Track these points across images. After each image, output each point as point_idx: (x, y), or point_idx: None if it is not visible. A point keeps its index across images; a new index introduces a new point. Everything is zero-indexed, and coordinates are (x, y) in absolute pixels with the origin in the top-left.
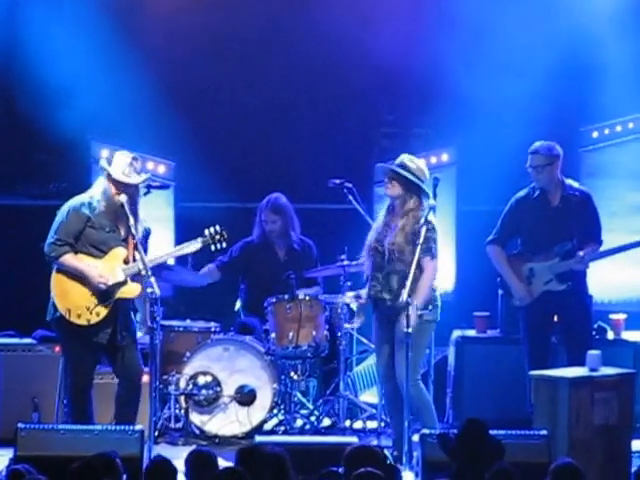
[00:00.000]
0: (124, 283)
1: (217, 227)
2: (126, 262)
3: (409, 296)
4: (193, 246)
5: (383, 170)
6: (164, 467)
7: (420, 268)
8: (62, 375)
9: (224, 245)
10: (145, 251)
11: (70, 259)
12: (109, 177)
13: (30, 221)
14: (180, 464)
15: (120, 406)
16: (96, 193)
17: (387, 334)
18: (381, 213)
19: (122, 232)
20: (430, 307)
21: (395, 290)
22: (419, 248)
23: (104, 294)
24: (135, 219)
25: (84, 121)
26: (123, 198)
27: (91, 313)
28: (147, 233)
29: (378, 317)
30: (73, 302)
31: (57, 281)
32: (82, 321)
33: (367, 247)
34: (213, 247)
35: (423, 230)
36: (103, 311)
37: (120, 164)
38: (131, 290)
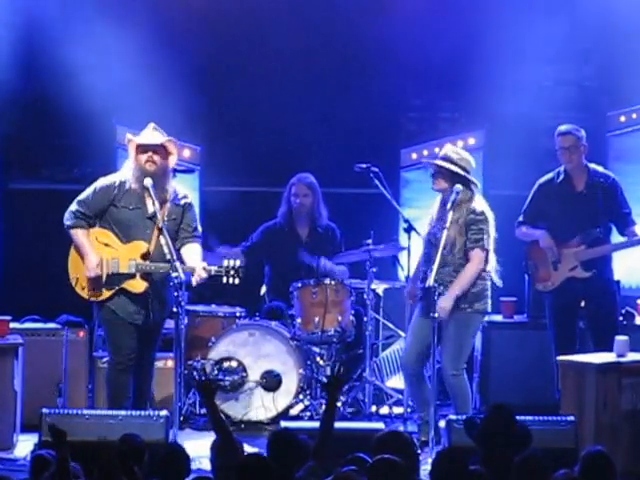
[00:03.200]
0: (132, 276)
1: (237, 262)
2: (144, 257)
3: (436, 282)
4: (205, 269)
5: (426, 166)
6: (178, 454)
7: (467, 258)
8: (88, 361)
9: (236, 282)
10: (197, 219)
11: (80, 235)
12: (132, 149)
13: (55, 205)
14: (205, 450)
15: (133, 396)
16: (125, 173)
17: (429, 325)
18: (434, 205)
19: (149, 210)
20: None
21: (446, 282)
22: (468, 239)
23: (110, 279)
24: (161, 203)
25: (109, 105)
26: (148, 182)
27: (93, 290)
28: (190, 206)
29: (423, 307)
30: (82, 274)
31: (74, 249)
32: (84, 294)
33: (423, 239)
34: (224, 279)
35: (473, 220)
36: (106, 294)
37: (143, 133)
38: (136, 285)
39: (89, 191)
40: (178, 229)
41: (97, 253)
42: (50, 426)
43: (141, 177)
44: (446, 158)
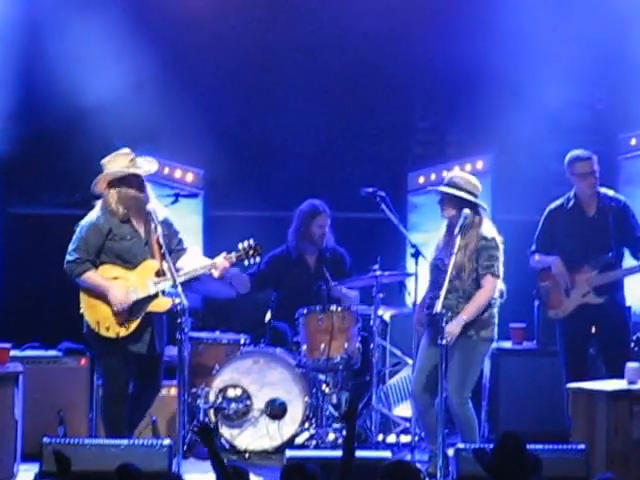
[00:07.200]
0: (155, 296)
1: (251, 241)
2: (158, 274)
3: (443, 307)
4: (226, 258)
5: (433, 193)
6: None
7: (478, 284)
8: (95, 388)
9: (257, 260)
10: (178, 238)
11: (92, 277)
12: (111, 183)
13: (56, 230)
14: (210, 479)
15: (135, 409)
16: (108, 204)
17: (437, 351)
18: (442, 230)
19: (143, 236)
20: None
21: (453, 308)
22: (479, 265)
23: (133, 307)
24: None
25: (111, 128)
26: (150, 206)
27: (121, 326)
28: (169, 224)
29: (430, 333)
30: (102, 314)
31: (84, 294)
32: (111, 334)
33: (429, 264)
34: (246, 262)
35: (484, 247)
36: (132, 324)
37: (119, 162)
38: (161, 304)
39: (78, 236)
40: (171, 241)
41: (117, 282)
42: (56, 452)
43: (123, 209)
44: (452, 184)
